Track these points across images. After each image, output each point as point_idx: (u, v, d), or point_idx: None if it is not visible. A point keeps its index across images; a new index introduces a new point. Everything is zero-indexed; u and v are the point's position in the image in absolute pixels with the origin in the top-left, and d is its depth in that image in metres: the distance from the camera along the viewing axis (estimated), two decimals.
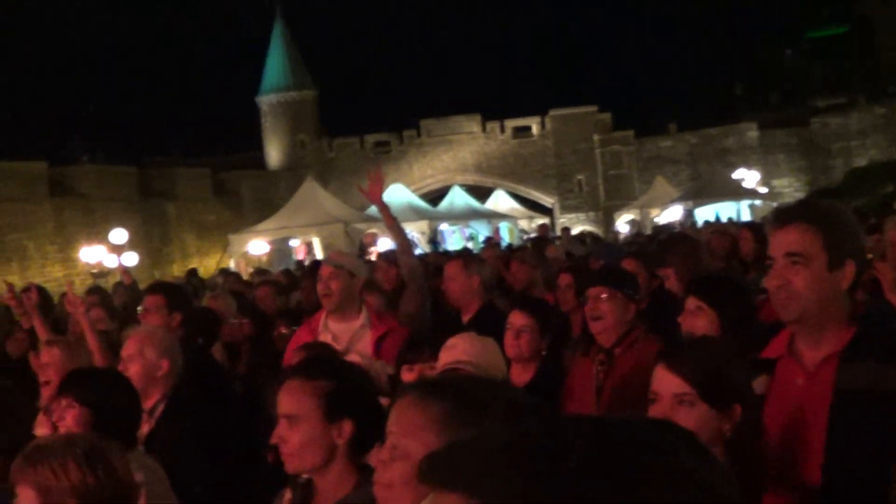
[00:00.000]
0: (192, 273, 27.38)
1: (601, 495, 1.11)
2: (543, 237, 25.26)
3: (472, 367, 4.03)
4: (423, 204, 45.23)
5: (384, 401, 3.44)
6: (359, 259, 10.20)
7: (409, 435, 2.52)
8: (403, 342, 6.01)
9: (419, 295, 7.81)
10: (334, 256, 7.58)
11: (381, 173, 8.71)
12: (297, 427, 3.39)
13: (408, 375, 5.02)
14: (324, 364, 3.84)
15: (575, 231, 38.53)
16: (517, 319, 6.08)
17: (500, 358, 4.45)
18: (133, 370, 5.34)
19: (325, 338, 6.63)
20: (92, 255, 36.22)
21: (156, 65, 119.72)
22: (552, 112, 58.01)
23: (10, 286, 8.74)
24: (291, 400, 3.45)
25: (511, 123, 59.03)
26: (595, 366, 5.53)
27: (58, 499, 2.85)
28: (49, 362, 5.98)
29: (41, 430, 4.72)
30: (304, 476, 3.51)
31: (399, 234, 8.40)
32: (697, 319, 4.85)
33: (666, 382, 3.39)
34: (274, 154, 59.36)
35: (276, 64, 59.75)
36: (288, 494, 3.61)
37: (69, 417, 4.51)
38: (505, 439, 1.19)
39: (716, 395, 3.32)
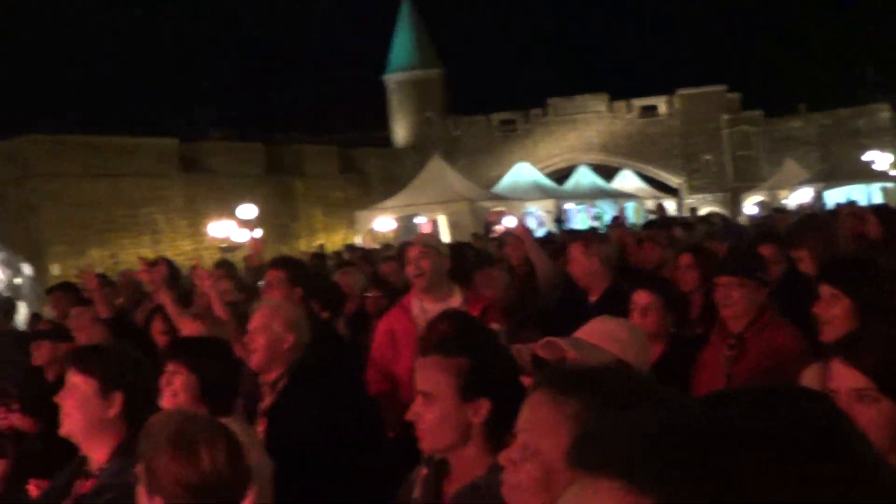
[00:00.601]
0: (321, 254, 27.56)
1: (778, 490, 1.03)
2: (672, 217, 25.00)
3: (615, 354, 3.77)
4: (549, 182, 45.09)
5: (526, 380, 3.36)
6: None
7: (541, 434, 2.39)
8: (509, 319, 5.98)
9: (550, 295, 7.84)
10: (420, 237, 7.60)
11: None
12: (433, 405, 3.33)
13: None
14: (463, 340, 3.76)
15: (702, 212, 38.06)
16: (641, 298, 6.04)
17: (644, 343, 4.15)
18: (259, 342, 5.38)
19: (421, 319, 6.56)
20: (220, 229, 36.77)
21: (285, 42, 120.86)
22: (680, 91, 57.17)
23: (144, 260, 8.90)
24: (428, 377, 3.39)
25: (638, 103, 58.29)
26: (725, 350, 5.43)
27: (155, 479, 2.84)
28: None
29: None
30: (439, 454, 3.46)
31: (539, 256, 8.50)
32: (832, 308, 4.69)
33: (843, 377, 3.11)
34: (400, 132, 59.55)
35: (403, 42, 59.89)
36: (423, 471, 3.55)
37: (177, 382, 4.64)
38: (661, 423, 1.12)
39: None
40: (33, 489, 4.69)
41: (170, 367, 4.72)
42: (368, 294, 9.55)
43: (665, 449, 1.07)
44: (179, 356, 4.78)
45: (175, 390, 4.62)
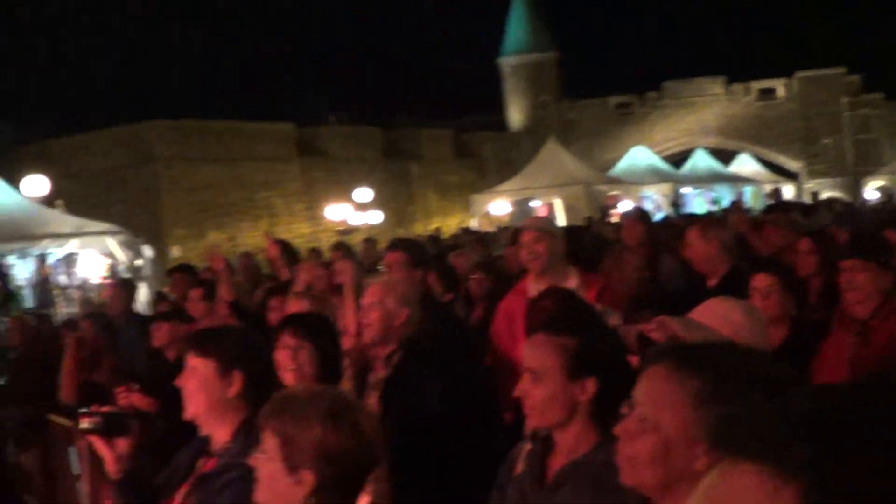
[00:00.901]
0: (437, 237, 27.67)
1: None
2: (791, 202, 24.63)
3: (731, 335, 3.70)
4: (665, 166, 44.64)
5: (633, 360, 3.35)
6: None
7: (661, 408, 2.38)
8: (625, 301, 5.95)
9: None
10: (533, 221, 7.59)
11: None
12: (540, 383, 3.36)
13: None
14: (571, 320, 3.78)
15: (822, 197, 37.39)
16: (761, 281, 5.97)
17: (761, 326, 4.07)
18: (373, 317, 5.43)
19: None
20: (337, 212, 37.11)
21: (400, 27, 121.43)
22: (799, 74, 56.16)
23: (270, 236, 9.02)
24: (536, 355, 3.42)
25: (756, 85, 57.42)
26: (849, 337, 5.32)
27: (299, 451, 2.86)
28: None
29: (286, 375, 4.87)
30: (544, 431, 3.48)
31: None
32: None
33: None
34: (515, 115, 59.46)
35: (517, 25, 59.77)
36: (527, 447, 3.58)
37: (302, 357, 4.80)
38: (808, 409, 1.07)
39: None
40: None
41: (291, 342, 4.87)
42: (472, 276, 9.58)
43: (813, 435, 1.03)
44: (302, 331, 4.94)
45: (301, 364, 4.80)
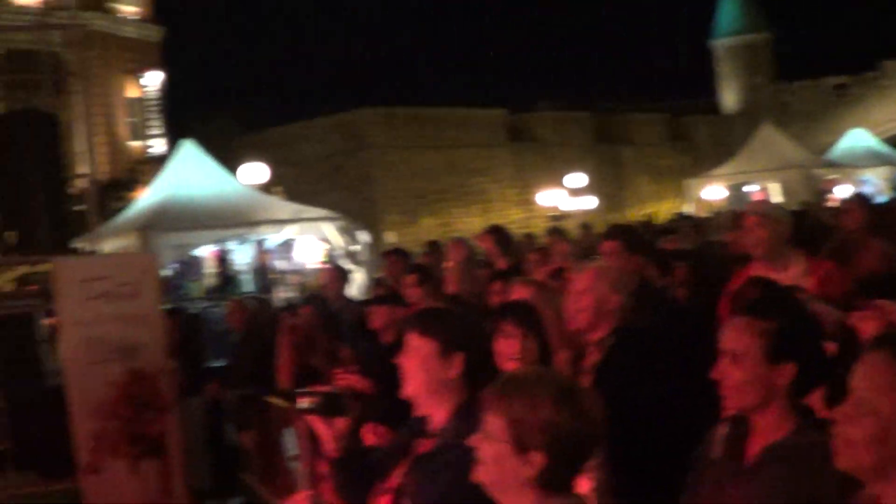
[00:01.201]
0: (649, 223, 27.41)
1: None
2: None
3: None
4: (885, 149, 43.29)
5: (830, 346, 3.36)
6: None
7: (880, 392, 2.39)
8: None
9: None
10: (756, 205, 7.40)
11: None
12: (739, 365, 3.36)
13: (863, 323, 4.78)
14: (773, 303, 3.72)
15: None
16: None
17: None
18: (585, 302, 5.42)
19: None
20: (548, 198, 37.12)
21: (610, 9, 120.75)
22: None
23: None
24: (735, 337, 3.41)
25: None
26: None
27: (527, 432, 2.86)
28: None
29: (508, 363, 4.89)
30: (741, 413, 3.47)
31: None
32: None
33: None
34: (729, 98, 58.50)
35: (730, 6, 58.77)
36: (723, 429, 3.56)
37: (523, 344, 4.84)
38: None
39: None
40: (369, 437, 4.85)
41: (512, 330, 4.97)
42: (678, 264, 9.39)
43: None
44: (523, 320, 5.04)
45: (523, 352, 4.85)
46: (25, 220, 31.14)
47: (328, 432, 3.90)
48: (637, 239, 7.89)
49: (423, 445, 3.83)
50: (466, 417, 3.53)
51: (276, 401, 9.19)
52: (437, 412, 3.84)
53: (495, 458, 2.92)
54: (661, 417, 5.08)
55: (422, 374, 3.83)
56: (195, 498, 9.63)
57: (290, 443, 8.91)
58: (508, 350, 4.92)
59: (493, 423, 2.93)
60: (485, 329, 4.51)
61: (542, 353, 4.97)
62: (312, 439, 6.34)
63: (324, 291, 12.21)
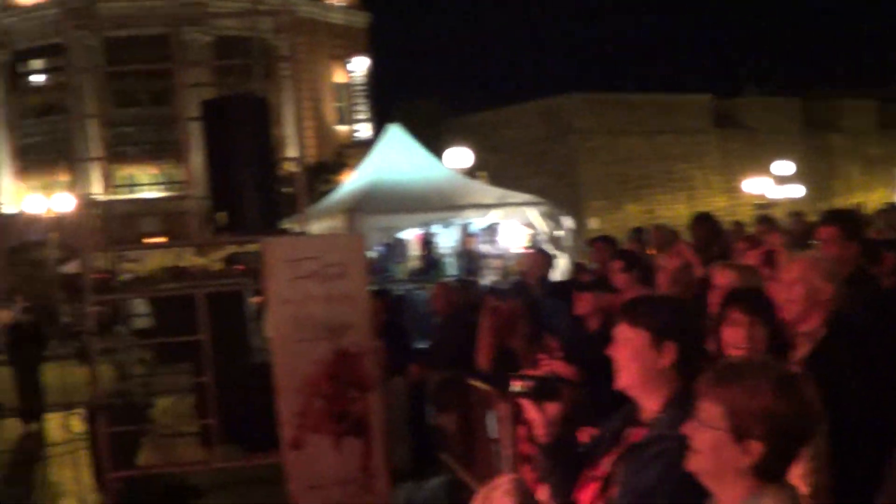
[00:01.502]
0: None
1: None
2: None
3: None
4: None
5: None
6: None
7: None
8: None
9: None
10: None
11: None
12: None
13: None
14: None
15: None
16: None
17: None
18: (795, 293, 5.33)
19: None
20: (755, 186, 36.47)
21: None
22: None
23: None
24: None
25: None
26: None
27: (746, 421, 2.83)
28: (720, 283, 6.38)
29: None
30: None
31: None
32: None
33: None
34: None
35: None
36: None
37: (753, 332, 4.88)
38: None
39: None
40: (585, 436, 4.82)
41: (741, 318, 5.00)
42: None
43: None
44: (752, 307, 5.07)
45: (753, 341, 4.88)
46: (235, 202, 32.01)
47: (539, 417, 3.89)
48: (856, 226, 7.66)
49: (635, 434, 3.80)
50: (679, 407, 3.49)
51: (478, 383, 9.22)
52: (649, 401, 3.80)
53: (712, 446, 2.90)
54: (877, 412, 4.95)
55: (634, 364, 3.79)
56: (395, 477, 9.74)
57: (491, 425, 8.94)
58: (734, 338, 4.91)
59: (711, 410, 2.91)
60: (697, 317, 4.45)
61: (772, 342, 4.88)
62: (515, 423, 6.35)
63: (526, 276, 12.22)
